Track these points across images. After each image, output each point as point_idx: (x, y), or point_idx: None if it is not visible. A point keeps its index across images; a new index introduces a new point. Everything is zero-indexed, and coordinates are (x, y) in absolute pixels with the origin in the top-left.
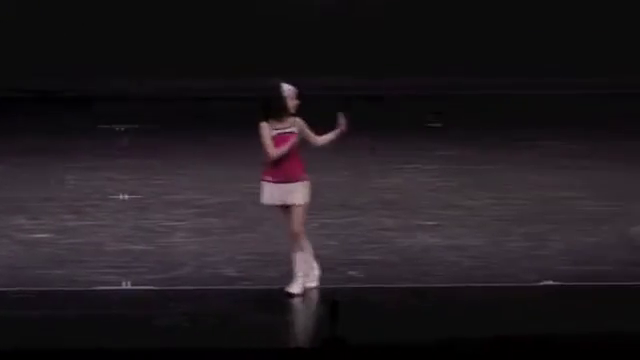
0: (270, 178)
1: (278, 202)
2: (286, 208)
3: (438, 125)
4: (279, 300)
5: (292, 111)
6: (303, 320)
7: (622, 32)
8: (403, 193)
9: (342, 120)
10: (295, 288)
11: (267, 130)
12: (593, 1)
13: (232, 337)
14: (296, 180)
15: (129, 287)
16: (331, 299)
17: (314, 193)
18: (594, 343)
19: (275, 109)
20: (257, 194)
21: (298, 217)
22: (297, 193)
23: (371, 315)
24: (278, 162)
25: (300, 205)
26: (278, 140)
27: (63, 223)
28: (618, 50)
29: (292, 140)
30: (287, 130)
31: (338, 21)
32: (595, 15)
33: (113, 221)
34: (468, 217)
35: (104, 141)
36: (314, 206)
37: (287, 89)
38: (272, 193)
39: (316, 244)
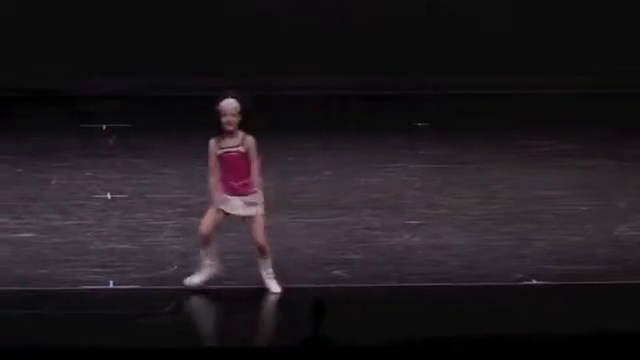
0: (224, 191)
1: (236, 213)
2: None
3: (425, 124)
4: (264, 299)
5: (229, 128)
6: (287, 319)
7: (606, 31)
8: (388, 192)
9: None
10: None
11: (212, 148)
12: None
13: (216, 336)
14: (246, 195)
15: (114, 286)
16: (316, 298)
17: (300, 192)
18: (580, 342)
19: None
20: None
21: (260, 227)
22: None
23: (356, 314)
24: (226, 180)
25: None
26: (224, 159)
27: (48, 222)
28: (602, 50)
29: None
30: (233, 149)
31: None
32: (582, 14)
33: (98, 220)
34: (453, 216)
35: (89, 140)
36: (299, 206)
37: (224, 104)
38: (229, 204)
39: (301, 243)
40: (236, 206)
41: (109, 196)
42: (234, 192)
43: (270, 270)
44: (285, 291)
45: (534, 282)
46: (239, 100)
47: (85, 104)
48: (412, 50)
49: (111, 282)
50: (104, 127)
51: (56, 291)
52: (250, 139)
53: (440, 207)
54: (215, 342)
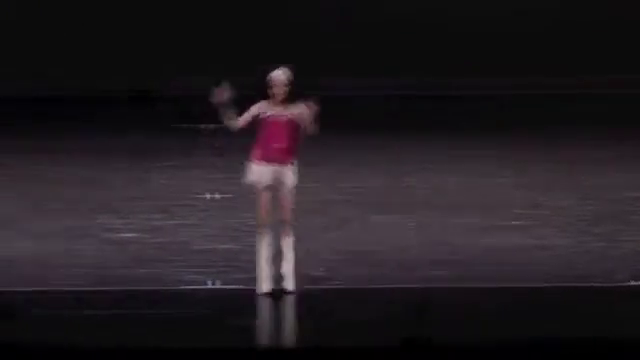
0: (259, 159)
1: (268, 182)
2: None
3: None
4: (367, 299)
5: (278, 98)
6: (387, 319)
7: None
8: (490, 193)
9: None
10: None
11: (254, 108)
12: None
13: (318, 336)
14: (285, 164)
15: (215, 286)
16: (419, 299)
17: (404, 193)
18: None
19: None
20: (348, 193)
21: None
22: (287, 176)
23: (458, 315)
24: (268, 143)
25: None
26: (270, 122)
27: (150, 222)
28: None
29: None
30: (283, 114)
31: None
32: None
33: (200, 220)
34: (554, 217)
35: (193, 140)
36: (402, 206)
37: (273, 75)
38: (261, 174)
39: (404, 243)
40: (272, 176)
41: (208, 196)
42: (271, 159)
43: (289, 265)
44: (387, 291)
45: (632, 283)
46: (288, 71)
47: (189, 104)
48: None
49: (211, 282)
50: (211, 127)
51: (158, 291)
52: (302, 105)
53: (542, 208)
54: (316, 342)
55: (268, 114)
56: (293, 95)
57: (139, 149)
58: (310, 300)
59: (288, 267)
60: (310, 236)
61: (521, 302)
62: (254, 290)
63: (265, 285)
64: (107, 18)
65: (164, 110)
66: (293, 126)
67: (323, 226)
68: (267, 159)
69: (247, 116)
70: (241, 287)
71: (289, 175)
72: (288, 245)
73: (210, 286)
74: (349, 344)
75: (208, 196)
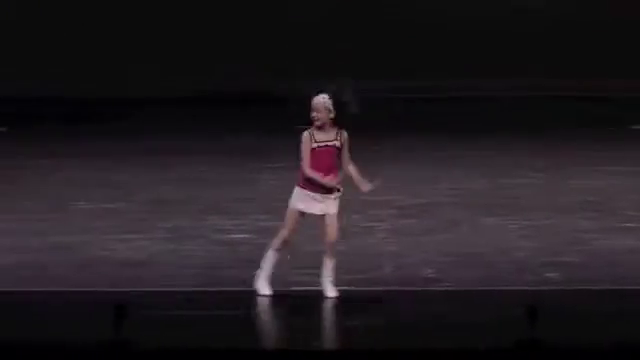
0: (304, 187)
1: (315, 212)
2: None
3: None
4: (477, 301)
5: (317, 123)
6: (498, 321)
7: None
8: (603, 195)
9: (373, 185)
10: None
11: (306, 141)
12: None
13: (432, 337)
14: (330, 193)
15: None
16: (528, 301)
17: (514, 194)
18: None
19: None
20: (456, 195)
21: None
22: (330, 205)
23: (569, 317)
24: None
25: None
26: (317, 153)
27: (260, 223)
28: None
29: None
30: (329, 143)
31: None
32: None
33: (309, 222)
34: None
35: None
36: (512, 208)
37: (314, 100)
38: (308, 201)
39: (514, 245)
40: (315, 204)
41: None
42: (317, 188)
43: (331, 273)
44: (498, 293)
45: None
46: (331, 97)
47: (296, 105)
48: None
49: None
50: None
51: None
52: (345, 134)
53: None
54: (424, 344)
55: (314, 145)
56: (334, 120)
57: (248, 150)
58: (421, 302)
59: (329, 286)
60: (418, 238)
61: (634, 305)
62: (364, 291)
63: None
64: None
65: (271, 111)
66: (336, 153)
67: (430, 228)
68: (313, 188)
69: (308, 153)
70: (349, 288)
71: (332, 204)
72: (331, 267)
73: (321, 288)
74: (461, 346)
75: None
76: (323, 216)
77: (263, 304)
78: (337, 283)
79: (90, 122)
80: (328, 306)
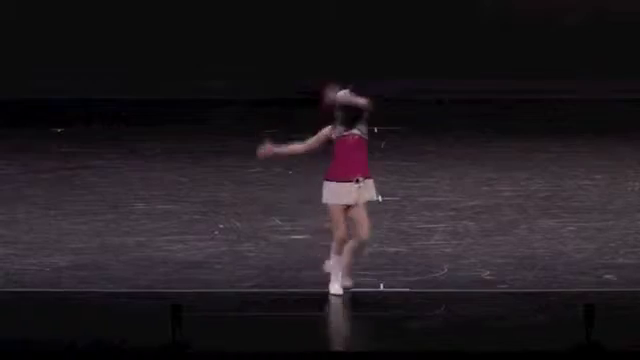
0: (334, 178)
1: (348, 202)
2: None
3: None
4: (535, 303)
5: (340, 119)
6: (557, 323)
7: None
8: None
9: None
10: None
11: (325, 131)
12: None
13: (487, 340)
14: (359, 180)
15: (384, 289)
16: (586, 302)
17: (571, 196)
18: None
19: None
20: (511, 197)
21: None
22: (366, 193)
23: (627, 319)
24: (343, 163)
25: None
26: (343, 143)
27: (319, 224)
28: None
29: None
30: (352, 132)
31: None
32: None
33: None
34: None
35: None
36: (569, 209)
37: (337, 97)
38: (340, 193)
39: (572, 247)
40: (350, 195)
41: (380, 199)
42: (347, 178)
43: (350, 269)
44: (554, 295)
45: None
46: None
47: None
48: None
49: (381, 285)
50: (375, 130)
51: (325, 293)
52: (364, 126)
53: None
54: (484, 346)
55: (336, 135)
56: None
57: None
58: (479, 304)
59: (345, 279)
60: (475, 240)
61: None
62: (422, 293)
63: (336, 286)
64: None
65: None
66: (363, 145)
67: (488, 230)
68: (342, 179)
69: (318, 137)
70: (409, 290)
71: (366, 192)
72: (353, 262)
73: (380, 289)
74: (518, 348)
75: (378, 198)
76: (353, 207)
77: (323, 304)
78: (395, 285)
79: (146, 123)
80: (383, 308)
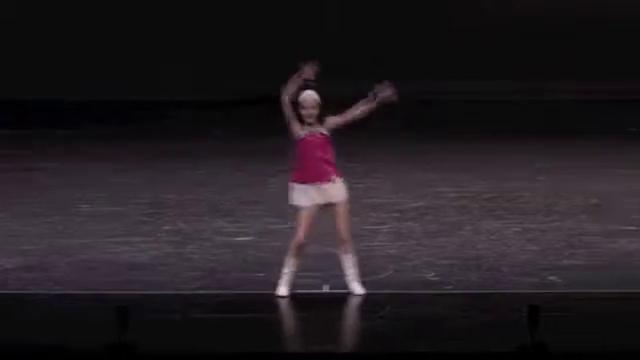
0: (300, 180)
1: (318, 202)
2: (326, 207)
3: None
4: (479, 304)
5: (309, 120)
6: (501, 325)
7: None
8: (605, 198)
9: (382, 91)
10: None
11: (294, 117)
12: None
13: (429, 341)
14: (327, 181)
15: (329, 291)
16: (531, 304)
17: (516, 197)
18: None
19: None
20: (455, 198)
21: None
22: (335, 192)
23: (572, 321)
24: (307, 164)
25: (345, 203)
26: (308, 142)
27: (266, 226)
28: None
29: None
30: (317, 134)
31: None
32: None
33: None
34: None
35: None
36: (514, 210)
37: (304, 96)
38: (308, 194)
39: (516, 248)
40: (318, 195)
41: None
42: (315, 179)
43: (352, 270)
44: (499, 296)
45: None
46: (318, 93)
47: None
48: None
49: (325, 287)
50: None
51: (272, 295)
52: (329, 120)
53: None
54: (429, 347)
55: (303, 135)
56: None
57: (254, 152)
58: (423, 305)
59: (354, 284)
60: (420, 241)
61: (636, 308)
62: (367, 294)
63: (283, 289)
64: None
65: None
66: (329, 144)
67: (432, 231)
68: (308, 180)
69: (290, 111)
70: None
71: (335, 191)
72: (349, 264)
73: (325, 290)
74: (462, 350)
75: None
76: (329, 207)
77: (270, 306)
78: (338, 286)
79: (92, 125)
80: (328, 310)
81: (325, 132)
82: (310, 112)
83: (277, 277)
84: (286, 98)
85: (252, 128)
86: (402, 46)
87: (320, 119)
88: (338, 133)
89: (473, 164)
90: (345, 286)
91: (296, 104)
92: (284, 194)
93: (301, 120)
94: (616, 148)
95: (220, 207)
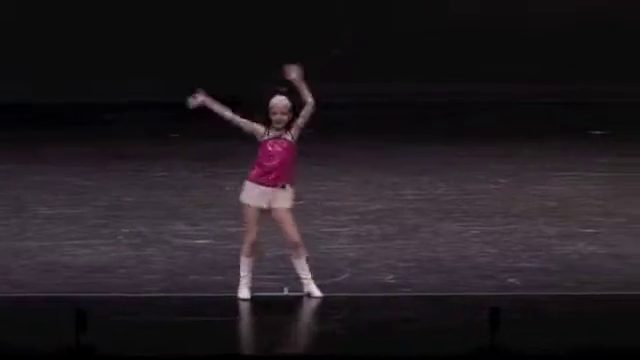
0: (252, 179)
1: (260, 204)
2: (268, 212)
3: (601, 132)
4: (437, 306)
5: (278, 126)
6: (461, 327)
7: None
8: (563, 201)
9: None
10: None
11: (257, 126)
12: None
13: (388, 344)
14: (275, 186)
15: (288, 293)
16: (490, 306)
17: (475, 200)
18: None
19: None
20: (414, 201)
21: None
22: (282, 198)
23: (530, 322)
24: (264, 166)
25: (288, 209)
26: (268, 145)
27: (223, 229)
28: None
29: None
30: (280, 137)
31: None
32: None
33: (271, 227)
34: (629, 225)
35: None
36: (473, 213)
37: (274, 102)
38: (254, 194)
39: (475, 251)
40: (265, 198)
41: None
42: (267, 182)
43: (307, 273)
44: (459, 298)
45: None
46: (289, 98)
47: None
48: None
49: (285, 289)
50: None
51: (231, 298)
52: (296, 130)
53: (616, 216)
54: (387, 350)
55: (266, 137)
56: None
57: (211, 155)
58: (381, 308)
59: (311, 286)
60: (378, 244)
61: (593, 309)
62: (325, 297)
63: (244, 292)
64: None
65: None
66: (291, 151)
67: (391, 234)
68: (261, 181)
69: (242, 120)
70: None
71: (282, 197)
72: (303, 267)
73: (285, 293)
74: (421, 352)
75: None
76: (274, 215)
77: (218, 309)
78: (295, 289)
79: (52, 127)
80: (286, 312)
81: (290, 139)
82: (279, 117)
83: (235, 280)
84: (226, 115)
85: (209, 130)
86: (371, 47)
87: (290, 125)
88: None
89: (432, 166)
90: (302, 289)
91: (267, 108)
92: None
93: (269, 123)
94: (577, 150)
95: (177, 210)
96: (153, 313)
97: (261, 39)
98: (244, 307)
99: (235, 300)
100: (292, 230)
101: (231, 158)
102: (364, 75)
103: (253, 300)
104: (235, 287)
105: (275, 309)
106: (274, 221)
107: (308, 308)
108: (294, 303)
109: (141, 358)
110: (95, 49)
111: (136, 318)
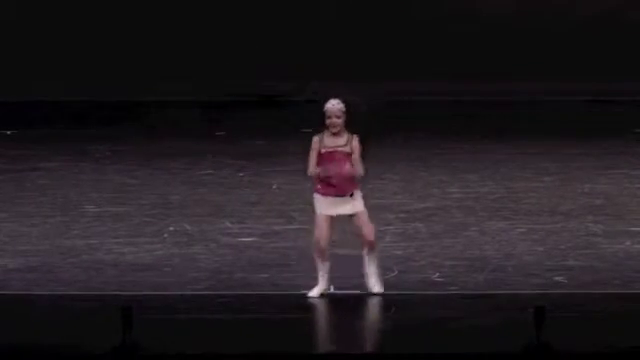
0: (322, 192)
1: (334, 213)
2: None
3: None
4: (485, 305)
5: (334, 130)
6: (507, 325)
7: None
8: (610, 199)
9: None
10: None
11: (315, 146)
12: None
13: (436, 342)
14: (347, 194)
15: (333, 291)
16: (537, 304)
17: (522, 198)
18: None
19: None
20: (461, 199)
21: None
22: (353, 205)
23: (577, 321)
24: (329, 177)
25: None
26: (328, 157)
27: (269, 227)
28: None
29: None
30: (338, 148)
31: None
32: None
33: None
34: None
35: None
36: (520, 211)
37: (328, 106)
38: (327, 206)
39: (522, 249)
40: (339, 206)
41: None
42: (334, 193)
43: (375, 269)
44: (504, 297)
45: None
46: (344, 101)
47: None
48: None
49: (331, 287)
50: None
51: (276, 295)
52: (356, 140)
53: None
54: (433, 348)
55: (325, 150)
56: (348, 126)
57: (258, 154)
58: (428, 306)
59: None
60: (425, 242)
61: None
62: (371, 295)
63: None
64: (232, 24)
65: (283, 115)
66: (347, 159)
67: (438, 232)
68: (329, 192)
69: (314, 157)
70: (359, 292)
71: (355, 204)
72: (374, 272)
73: (330, 291)
74: (467, 350)
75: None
76: (352, 217)
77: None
78: (345, 286)
79: (97, 125)
80: (333, 310)
81: (348, 149)
82: (334, 121)
83: (281, 277)
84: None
85: (255, 129)
86: (399, 46)
87: (347, 131)
88: None
89: (478, 164)
90: (348, 287)
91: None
92: (287, 195)
93: (325, 127)
94: (623, 149)
95: (223, 207)
96: (199, 311)
97: (302, 41)
98: (288, 305)
99: (281, 298)
100: (370, 229)
101: (278, 156)
102: (409, 74)
103: (295, 298)
104: (281, 285)
105: (320, 308)
106: (351, 225)
107: (355, 307)
108: (340, 302)
109: (187, 356)
110: (139, 49)
111: (182, 316)
